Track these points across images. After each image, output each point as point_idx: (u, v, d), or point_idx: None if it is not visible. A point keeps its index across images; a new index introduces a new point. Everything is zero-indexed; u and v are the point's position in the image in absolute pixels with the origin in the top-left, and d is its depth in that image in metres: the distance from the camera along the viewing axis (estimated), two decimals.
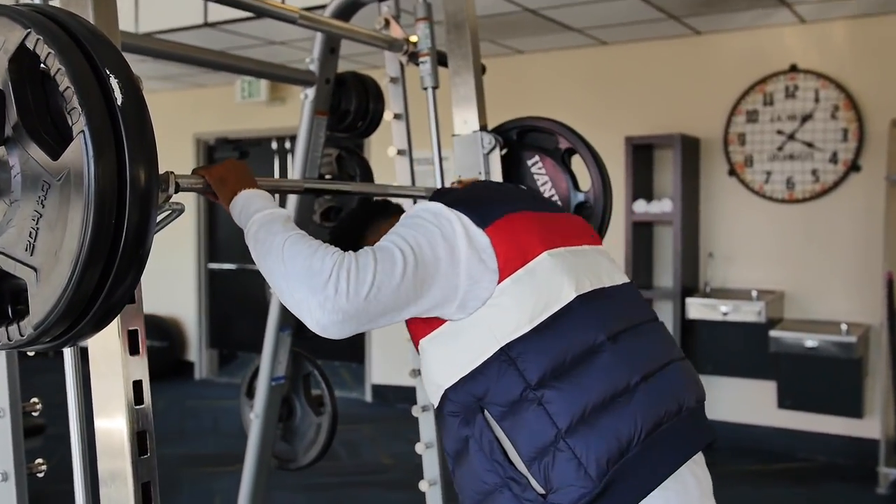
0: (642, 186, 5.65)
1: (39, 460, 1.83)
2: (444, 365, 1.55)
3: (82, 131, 1.03)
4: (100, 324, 1.15)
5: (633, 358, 1.53)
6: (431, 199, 1.67)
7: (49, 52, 1.04)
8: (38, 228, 1.11)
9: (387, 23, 2.70)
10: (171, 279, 7.88)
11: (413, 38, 2.66)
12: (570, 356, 1.48)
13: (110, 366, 1.44)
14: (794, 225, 5.45)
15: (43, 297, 1.09)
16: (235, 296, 7.84)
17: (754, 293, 5.27)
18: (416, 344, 1.63)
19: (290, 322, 3.02)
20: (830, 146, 5.31)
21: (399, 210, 2.16)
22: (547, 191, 2.52)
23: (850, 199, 5.27)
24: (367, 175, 3.03)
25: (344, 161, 3.02)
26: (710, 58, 5.66)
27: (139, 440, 1.43)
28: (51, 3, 1.44)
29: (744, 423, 5.60)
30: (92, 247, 1.04)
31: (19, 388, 1.82)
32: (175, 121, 7.55)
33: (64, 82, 1.04)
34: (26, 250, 1.12)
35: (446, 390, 1.54)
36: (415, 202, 2.28)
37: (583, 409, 1.43)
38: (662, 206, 5.51)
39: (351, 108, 2.93)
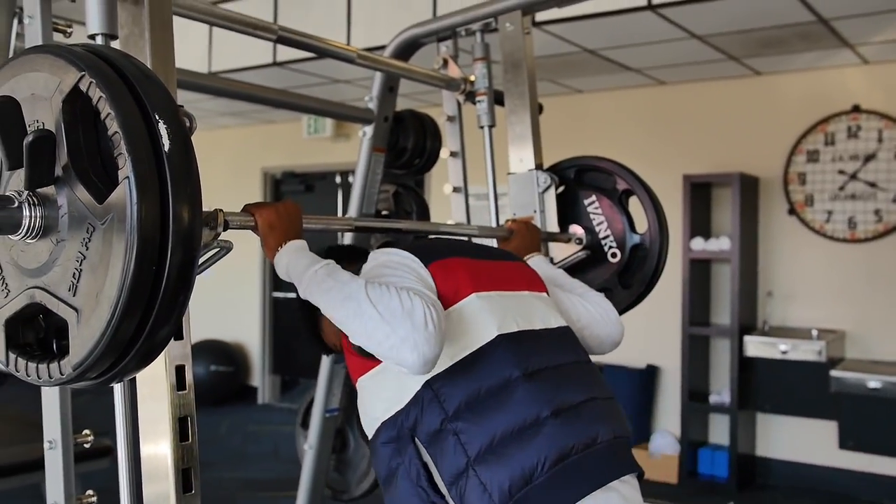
0: (700, 224, 5.54)
1: (90, 491, 1.83)
2: (380, 400, 1.62)
3: (127, 177, 1.02)
4: (142, 362, 1.14)
5: (547, 395, 1.58)
6: (384, 246, 1.80)
7: (101, 97, 1.03)
8: (81, 270, 1.10)
9: (445, 62, 2.71)
10: (238, 307, 7.99)
11: (471, 78, 2.65)
12: (484, 390, 1.55)
13: (158, 401, 1.47)
14: (856, 264, 5.28)
15: (83, 339, 1.08)
16: (297, 323, 7.89)
17: (814, 332, 5.11)
18: (354, 381, 1.70)
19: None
20: (894, 186, 5.15)
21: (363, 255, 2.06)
22: (602, 231, 2.50)
23: None
24: (424, 211, 3.01)
25: (401, 197, 3.01)
26: (771, 98, 5.55)
27: (184, 476, 1.48)
28: (112, 43, 1.44)
29: (803, 462, 5.42)
30: (131, 293, 1.03)
31: (71, 420, 1.83)
32: (244, 155, 7.68)
33: (113, 127, 1.03)
34: (69, 290, 1.11)
35: (381, 423, 1.61)
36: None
37: (490, 439, 1.50)
38: (720, 243, 5.39)
39: (408, 146, 2.93)
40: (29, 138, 1.08)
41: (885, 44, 4.72)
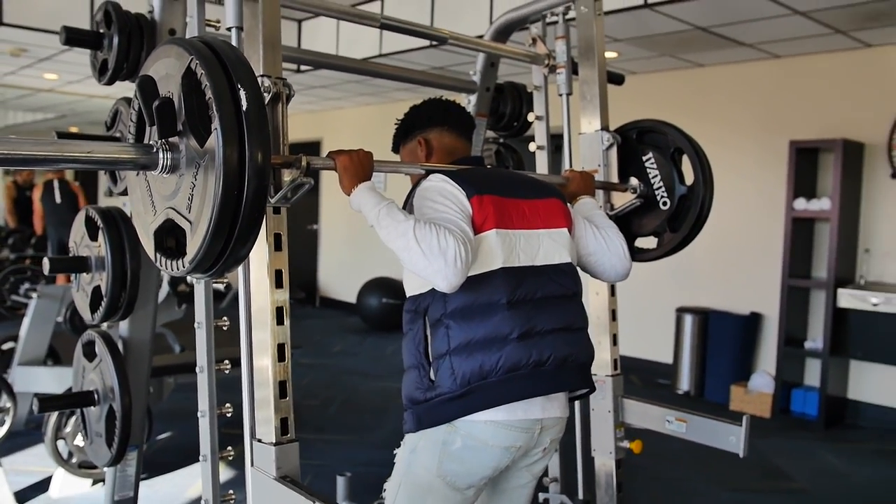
0: (804, 186, 5.35)
1: (227, 405, 2.16)
2: (412, 280, 1.85)
3: (216, 128, 1.23)
4: (239, 258, 1.37)
5: (519, 321, 1.76)
6: (438, 174, 1.86)
7: (202, 73, 1.27)
8: (193, 195, 1.31)
9: (534, 41, 2.85)
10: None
11: (553, 53, 2.79)
12: (476, 304, 1.75)
13: (264, 331, 1.74)
14: None
15: (194, 243, 1.30)
16: None
17: None
18: None
19: None
20: None
21: (425, 126, 2.09)
22: (656, 183, 2.58)
23: None
24: (520, 164, 3.21)
25: (501, 154, 3.21)
26: (878, 68, 5.24)
27: (281, 386, 1.73)
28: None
29: (890, 406, 5.20)
30: (221, 209, 1.24)
31: (214, 353, 2.11)
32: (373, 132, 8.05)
33: (209, 94, 1.25)
34: (186, 209, 1.33)
35: (410, 296, 1.86)
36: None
37: (468, 340, 1.74)
38: (822, 204, 5.20)
39: (507, 112, 3.11)
40: (155, 103, 1.34)
41: None
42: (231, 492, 2.07)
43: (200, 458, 2.05)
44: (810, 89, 5.55)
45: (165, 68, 1.38)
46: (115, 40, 2.07)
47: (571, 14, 2.70)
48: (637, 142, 2.64)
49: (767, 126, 5.66)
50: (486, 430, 1.76)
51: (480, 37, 2.96)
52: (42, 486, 3.78)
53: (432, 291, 1.77)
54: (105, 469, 2.47)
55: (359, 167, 1.80)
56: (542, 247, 1.87)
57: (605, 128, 2.62)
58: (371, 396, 5.64)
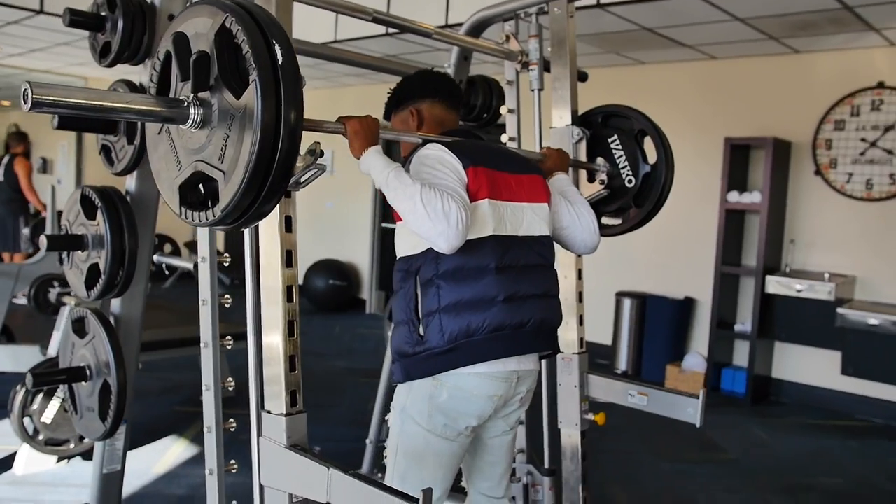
0: (737, 180, 5.62)
1: (230, 378, 2.18)
2: (405, 242, 1.93)
3: (255, 80, 1.25)
4: (263, 213, 1.38)
5: (506, 285, 1.88)
6: (436, 144, 1.93)
7: (239, 29, 1.28)
8: (226, 145, 1.32)
9: (507, 38, 2.94)
10: (352, 234, 8.45)
11: (526, 51, 2.89)
12: (467, 267, 1.85)
13: (274, 307, 1.77)
14: (870, 220, 5.30)
15: (227, 191, 1.32)
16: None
17: (826, 275, 5.20)
18: (395, 221, 1.94)
19: None
20: None
21: (419, 96, 2.16)
22: (621, 162, 2.68)
23: None
24: None
25: None
26: (806, 73, 5.54)
27: (290, 361, 1.76)
28: None
29: (809, 384, 5.55)
30: (259, 157, 1.26)
31: (219, 328, 2.14)
32: (363, 108, 8.03)
33: (245, 48, 1.26)
34: (219, 159, 1.34)
35: (401, 256, 1.94)
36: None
37: (457, 301, 1.84)
38: (753, 197, 5.48)
39: (478, 104, 3.19)
40: (193, 56, 1.34)
41: None
42: (233, 461, 2.11)
43: (205, 429, 2.08)
44: (744, 90, 5.81)
45: (195, 28, 1.39)
46: (120, 24, 2.06)
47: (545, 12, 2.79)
48: (602, 125, 2.75)
49: (704, 123, 5.91)
50: (469, 380, 1.88)
51: (449, 27, 3.03)
52: (4, 464, 3.72)
53: (424, 253, 1.86)
54: (95, 443, 2.47)
55: (368, 132, 1.84)
56: (525, 219, 1.97)
57: (574, 122, 2.72)
58: (324, 376, 5.68)
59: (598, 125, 2.74)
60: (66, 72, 8.89)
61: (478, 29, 2.99)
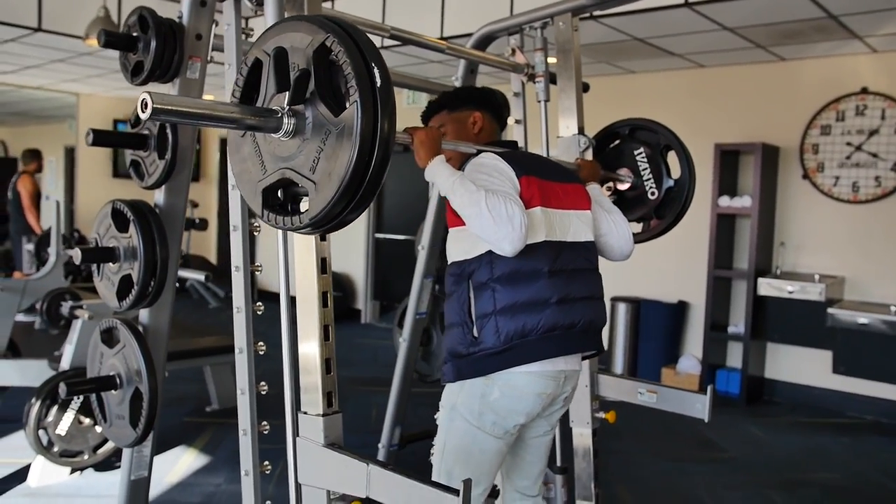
0: (727, 185, 5.78)
1: (263, 383, 2.20)
2: (459, 247, 2.01)
3: (356, 101, 1.30)
4: (348, 221, 1.42)
5: (559, 288, 1.96)
6: (489, 153, 2.03)
7: (340, 50, 1.33)
8: (319, 158, 1.37)
9: (513, 51, 3.05)
10: (347, 245, 8.52)
11: (532, 63, 3.00)
12: (522, 271, 1.93)
13: (310, 315, 1.86)
14: (857, 222, 5.46)
15: (317, 202, 1.37)
16: (394, 259, 8.38)
17: (817, 277, 5.34)
18: (449, 227, 2.05)
19: (432, 272, 3.44)
20: (892, 157, 5.30)
21: (480, 105, 2.30)
22: (646, 175, 2.78)
23: None
24: None
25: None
26: (792, 80, 5.70)
27: (327, 363, 1.85)
28: None
29: (802, 383, 5.69)
30: (354, 172, 1.31)
31: (252, 335, 2.18)
32: None
33: (347, 69, 1.31)
34: (310, 170, 1.39)
35: (454, 261, 2.02)
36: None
37: (513, 303, 1.92)
38: (743, 201, 5.63)
39: None
40: (296, 74, 1.38)
41: (890, 35, 4.86)
42: (266, 462, 2.19)
43: (240, 432, 2.16)
44: (732, 97, 5.97)
45: (291, 42, 1.43)
46: (153, 44, 2.16)
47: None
48: (629, 137, 2.84)
49: (694, 129, 6.02)
50: (521, 378, 1.95)
51: (455, 39, 3.14)
52: (17, 476, 3.77)
53: (479, 258, 1.94)
54: (123, 450, 2.54)
55: (433, 142, 1.94)
56: (572, 225, 2.07)
57: (580, 131, 2.82)
58: None
59: (625, 137, 2.84)
60: (59, 88, 8.93)
61: (484, 42, 3.10)
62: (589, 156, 2.81)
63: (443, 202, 3.32)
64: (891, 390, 5.20)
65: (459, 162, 2.08)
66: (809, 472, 4.27)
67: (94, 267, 2.43)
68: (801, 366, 5.68)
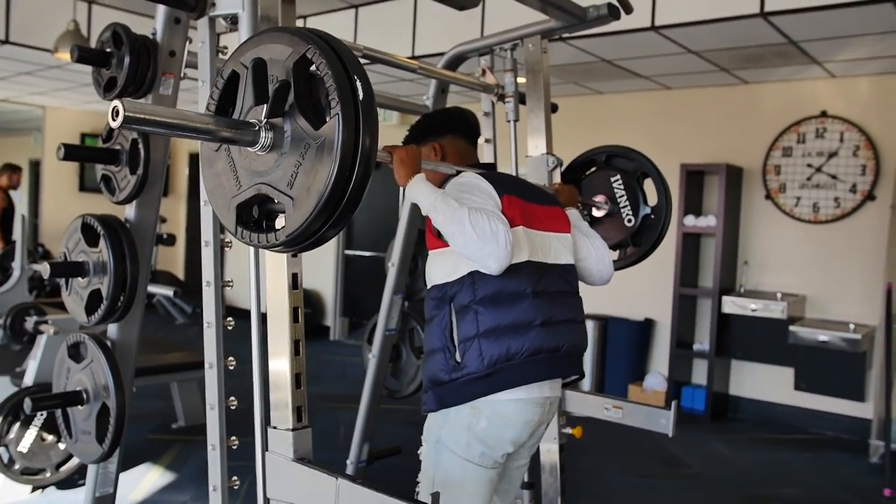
0: (693, 204, 5.89)
1: (233, 398, 2.17)
2: (439, 270, 1.98)
3: (338, 114, 1.26)
4: (326, 238, 1.39)
5: (542, 310, 1.94)
6: (470, 172, 2.04)
7: (322, 61, 1.30)
8: (297, 172, 1.33)
9: (483, 72, 3.11)
10: (316, 261, 8.49)
11: (502, 84, 3.05)
12: (505, 292, 1.90)
13: (281, 330, 1.85)
14: (818, 242, 5.60)
15: (295, 218, 1.34)
16: (364, 276, 8.37)
17: (779, 295, 5.45)
18: (428, 250, 2.03)
19: (402, 288, 3.47)
20: (851, 178, 5.44)
21: (440, 132, 2.25)
22: (622, 202, 2.80)
23: (866, 222, 5.40)
24: None
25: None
26: (755, 103, 5.85)
27: (297, 378, 1.85)
28: None
29: (765, 400, 5.79)
30: (335, 187, 1.28)
31: (223, 351, 2.16)
32: None
33: (329, 81, 1.28)
34: (287, 185, 1.35)
35: (435, 284, 1.98)
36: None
37: (496, 325, 1.88)
38: (708, 220, 5.74)
39: None
40: (275, 85, 1.35)
41: (847, 62, 5.01)
42: (235, 478, 2.19)
43: (209, 447, 2.16)
44: (698, 118, 6.11)
45: (270, 53, 1.40)
46: (126, 60, 2.17)
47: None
48: (605, 164, 2.86)
49: (660, 149, 6.11)
50: (507, 406, 1.91)
51: (421, 58, 3.19)
52: None
53: (460, 280, 1.91)
54: (88, 466, 2.52)
55: (413, 160, 1.91)
56: (553, 247, 2.05)
57: (549, 152, 2.88)
58: None
59: (601, 163, 2.86)
60: (25, 101, 8.83)
61: (455, 63, 3.16)
62: (557, 175, 2.87)
63: (413, 219, 3.36)
64: (850, 406, 5.32)
65: (440, 184, 2.04)
66: (772, 487, 4.35)
67: (62, 281, 2.42)
68: (764, 383, 5.78)
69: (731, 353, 5.78)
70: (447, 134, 2.23)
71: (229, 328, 2.21)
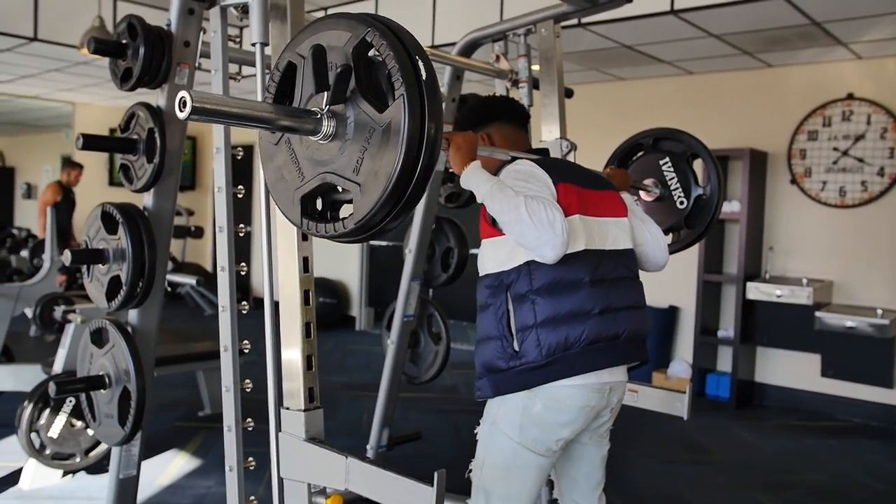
0: None
1: (248, 380, 2.27)
2: (494, 258, 1.96)
3: (402, 95, 1.24)
4: (390, 228, 1.37)
5: (601, 298, 1.92)
6: (525, 160, 2.01)
7: (382, 43, 1.28)
8: (363, 158, 1.31)
9: (497, 58, 3.12)
10: (342, 252, 8.56)
11: (516, 69, 3.07)
12: (562, 282, 1.89)
13: (293, 311, 1.90)
14: (844, 226, 5.52)
15: (363, 203, 1.32)
16: (388, 266, 8.40)
17: (805, 281, 5.39)
18: (482, 238, 2.01)
19: (419, 275, 3.50)
20: (878, 162, 5.36)
21: (487, 120, 2.22)
22: (673, 184, 2.77)
23: (895, 206, 5.31)
24: None
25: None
26: (779, 86, 5.78)
27: (308, 360, 1.88)
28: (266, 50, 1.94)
29: (791, 387, 5.73)
30: (402, 170, 1.25)
31: (238, 334, 2.24)
32: None
33: (391, 63, 1.26)
34: (353, 171, 1.33)
35: (489, 273, 1.97)
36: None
37: (554, 314, 1.87)
38: (732, 206, 5.68)
39: None
40: (337, 70, 1.33)
41: (873, 42, 4.93)
42: (251, 459, 2.24)
43: (225, 428, 2.22)
44: (721, 103, 6.05)
45: (328, 40, 1.38)
46: (141, 51, 2.23)
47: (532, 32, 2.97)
48: (653, 147, 2.85)
49: None
50: (564, 391, 1.90)
51: (440, 48, 3.21)
52: (10, 479, 3.81)
53: (517, 269, 1.90)
54: (112, 449, 2.59)
55: (470, 147, 1.90)
56: (610, 233, 2.02)
57: (563, 136, 2.89)
58: (319, 391, 5.79)
59: (649, 147, 2.84)
60: (55, 97, 9.00)
61: (469, 49, 3.18)
62: (571, 159, 2.88)
63: (430, 205, 3.39)
64: (878, 393, 5.25)
65: (494, 171, 2.00)
66: (796, 473, 4.32)
67: (84, 268, 2.49)
68: (790, 369, 5.73)
69: (757, 340, 5.73)
70: (493, 122, 2.20)
71: (244, 312, 2.26)
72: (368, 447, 3.62)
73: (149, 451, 4.28)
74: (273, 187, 1.53)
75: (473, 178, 1.86)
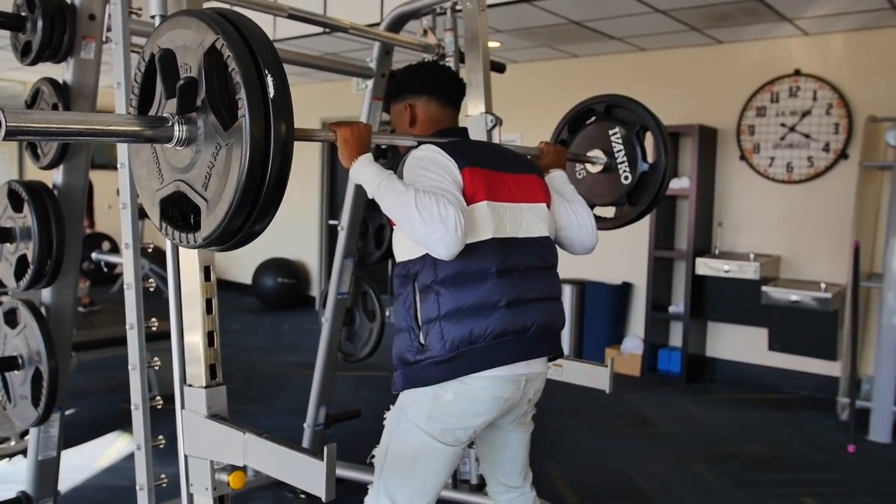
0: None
1: (156, 358, 2.27)
2: (402, 247, 1.90)
3: (244, 115, 1.19)
4: (255, 234, 1.35)
5: (508, 289, 1.83)
6: (429, 145, 1.91)
7: (229, 55, 1.21)
8: (210, 174, 1.27)
9: (425, 32, 3.10)
10: (301, 232, 8.53)
11: (442, 43, 3.05)
12: (467, 272, 1.81)
13: (190, 255, 1.87)
14: (791, 202, 5.58)
15: (209, 222, 1.29)
16: None
17: (752, 256, 5.45)
18: (392, 224, 1.88)
19: (352, 252, 3.49)
20: (824, 137, 5.41)
21: (415, 91, 2.10)
22: (619, 157, 2.66)
23: (839, 181, 5.37)
24: None
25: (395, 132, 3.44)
26: (728, 63, 5.81)
27: (209, 336, 1.87)
28: None
29: (740, 361, 5.82)
30: (243, 194, 1.22)
31: (143, 313, 2.24)
32: (307, 107, 8.14)
33: (237, 78, 1.20)
34: (202, 186, 1.29)
35: (400, 261, 1.91)
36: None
37: (458, 307, 1.80)
38: (682, 182, 5.72)
39: None
40: (181, 82, 1.28)
41: (819, 18, 4.96)
42: (161, 437, 2.23)
43: (132, 406, 2.20)
44: (672, 80, 6.06)
45: (182, 39, 1.32)
46: (40, 24, 2.17)
47: (458, 7, 2.96)
48: (605, 115, 2.72)
49: None
50: (476, 382, 1.83)
51: (375, 26, 3.18)
52: None
53: (423, 258, 1.82)
54: (30, 430, 2.57)
55: (359, 140, 1.80)
56: (524, 220, 1.93)
57: (488, 111, 2.86)
58: (271, 369, 5.79)
59: (601, 114, 2.73)
60: (3, 77, 8.81)
61: (398, 24, 3.14)
62: (496, 134, 2.86)
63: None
64: (823, 365, 5.35)
65: (405, 152, 1.94)
66: (738, 445, 4.39)
67: None
68: (739, 344, 5.81)
69: (707, 315, 5.79)
70: (420, 93, 2.08)
71: (150, 290, 2.24)
72: (305, 426, 3.62)
73: (92, 432, 4.26)
74: (138, 184, 1.49)
75: (362, 174, 1.79)
